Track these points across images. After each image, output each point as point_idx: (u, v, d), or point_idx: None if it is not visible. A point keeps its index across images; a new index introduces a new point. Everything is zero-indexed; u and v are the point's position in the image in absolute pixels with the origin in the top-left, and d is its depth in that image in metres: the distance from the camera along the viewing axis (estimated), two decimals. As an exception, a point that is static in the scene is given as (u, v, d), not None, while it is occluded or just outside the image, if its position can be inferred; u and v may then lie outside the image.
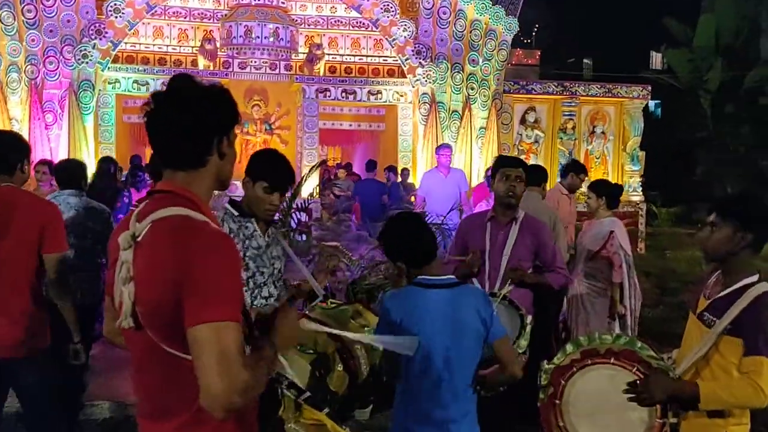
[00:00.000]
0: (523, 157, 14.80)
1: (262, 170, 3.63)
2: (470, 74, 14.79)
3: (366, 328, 3.40)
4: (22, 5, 13.18)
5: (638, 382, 2.65)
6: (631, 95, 15.40)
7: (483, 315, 2.75)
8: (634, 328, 5.49)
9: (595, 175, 15.39)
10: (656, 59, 34.23)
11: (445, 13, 14.66)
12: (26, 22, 13.22)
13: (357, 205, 12.11)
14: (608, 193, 5.32)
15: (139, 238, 1.95)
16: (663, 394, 2.58)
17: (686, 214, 21.09)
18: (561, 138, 15.49)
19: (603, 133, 15.70)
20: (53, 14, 13.34)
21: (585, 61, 37.33)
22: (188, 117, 1.99)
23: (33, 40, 13.26)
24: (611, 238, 5.22)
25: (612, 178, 15.50)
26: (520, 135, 15.58)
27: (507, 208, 4.45)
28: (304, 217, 13.24)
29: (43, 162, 7.95)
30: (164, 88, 2.06)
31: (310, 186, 14.45)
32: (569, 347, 2.89)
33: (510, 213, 4.45)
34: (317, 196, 14.45)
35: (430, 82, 14.45)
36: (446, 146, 10.97)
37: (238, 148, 14.98)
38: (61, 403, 4.00)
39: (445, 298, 2.73)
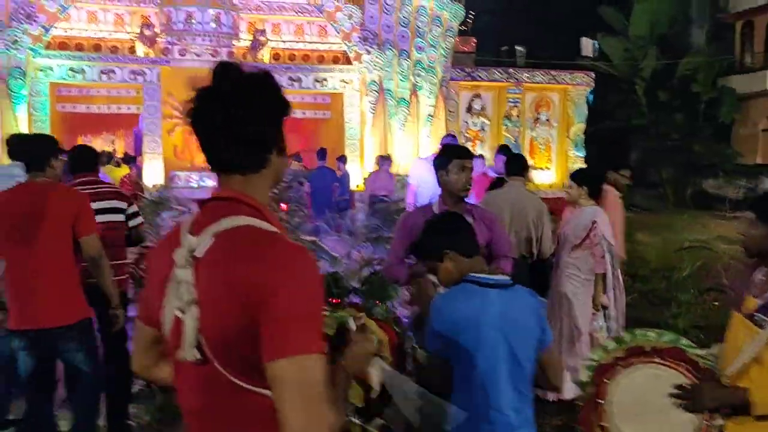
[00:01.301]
0: (469, 145, 14.84)
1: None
2: (417, 61, 14.70)
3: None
4: (-54, -12, 12.42)
5: (687, 386, 2.58)
6: (574, 82, 15.59)
7: (540, 318, 2.64)
8: (620, 319, 5.48)
9: (539, 161, 15.58)
10: (587, 47, 34.83)
11: (390, 0, 14.51)
12: (-50, 5, 12.46)
13: (307, 195, 11.86)
14: (590, 182, 5.28)
15: (198, 255, 1.68)
16: (713, 403, 2.51)
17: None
18: (506, 125, 15.58)
19: (547, 120, 15.87)
20: (-20, -2, 12.61)
21: (518, 48, 37.67)
22: (248, 113, 1.71)
23: (-42, 25, 12.51)
24: (594, 228, 5.18)
25: (556, 165, 15.72)
26: (466, 123, 15.60)
27: (460, 201, 4.29)
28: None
29: None
30: (206, 82, 1.80)
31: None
32: (611, 344, 2.80)
33: (462, 206, 4.29)
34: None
35: (377, 69, 14.29)
36: (452, 136, 10.49)
37: (179, 139, 14.64)
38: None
39: (504, 299, 2.58)
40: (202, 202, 1.81)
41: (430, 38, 14.72)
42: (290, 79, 14.25)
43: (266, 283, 1.58)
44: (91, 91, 14.29)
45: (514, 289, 2.68)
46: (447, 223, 2.93)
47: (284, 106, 1.79)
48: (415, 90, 14.64)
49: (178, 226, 1.81)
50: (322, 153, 11.68)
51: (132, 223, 5.17)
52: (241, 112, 1.70)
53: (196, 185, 13.94)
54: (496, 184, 6.04)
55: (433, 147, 14.65)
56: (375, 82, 14.36)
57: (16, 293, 4.07)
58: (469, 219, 4.24)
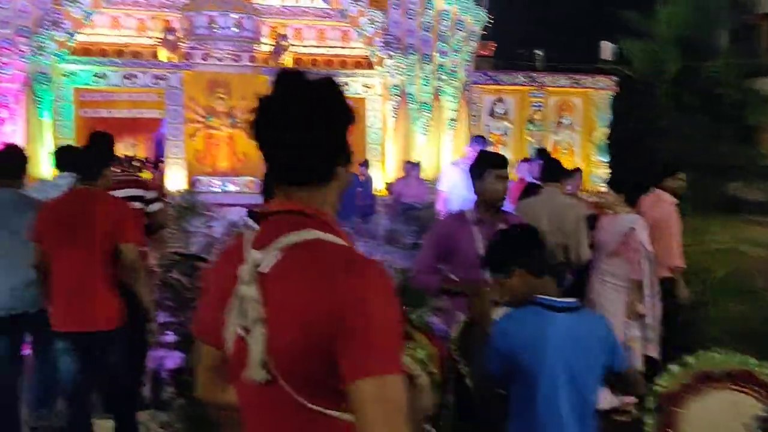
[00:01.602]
0: (491, 148, 14.74)
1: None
2: (439, 65, 14.62)
3: (419, 352, 3.03)
4: (-27, -5, 12.51)
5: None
6: (597, 86, 15.46)
7: (610, 344, 2.55)
8: (658, 328, 5.38)
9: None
10: (607, 50, 34.63)
11: (413, 4, 14.44)
12: (-23, 13, 12.54)
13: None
14: (628, 188, 5.19)
15: (264, 270, 1.61)
16: None
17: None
18: (529, 129, 15.47)
19: (570, 124, 15.73)
20: (7, 5, 12.66)
21: (537, 52, 37.50)
22: (314, 122, 1.65)
23: (-15, 32, 12.60)
24: (632, 235, 5.09)
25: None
26: (489, 126, 15.49)
27: (496, 211, 4.22)
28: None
29: None
30: (270, 90, 1.74)
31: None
32: (677, 369, 2.70)
33: (498, 215, 4.22)
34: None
35: (399, 74, 14.23)
36: (482, 138, 10.16)
37: (201, 143, 14.66)
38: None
39: (571, 324, 2.49)
40: (264, 216, 1.75)
41: (452, 42, 14.64)
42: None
43: (343, 300, 1.52)
44: (114, 96, 14.34)
45: (581, 312, 2.59)
46: (518, 238, 2.82)
47: (350, 114, 1.73)
48: (437, 94, 14.57)
49: (239, 240, 1.76)
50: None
51: (152, 208, 5.17)
52: (307, 122, 1.64)
53: (218, 190, 13.96)
54: (530, 190, 5.95)
55: (456, 151, 14.59)
56: (397, 86, 14.30)
57: (61, 295, 4.21)
58: (504, 228, 4.19)
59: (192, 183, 13.82)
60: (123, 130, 15.25)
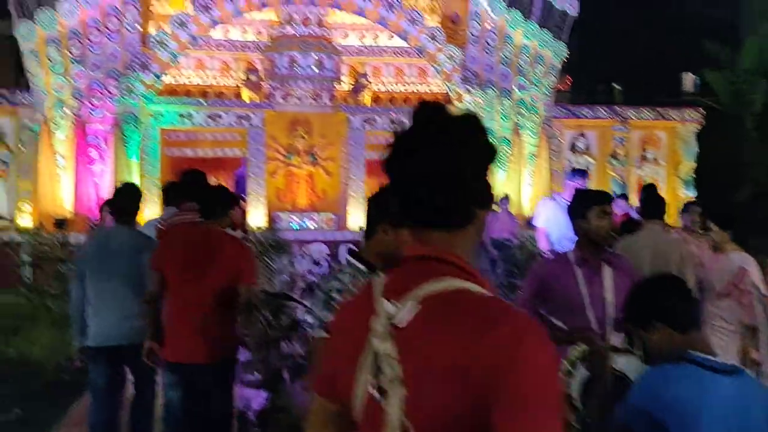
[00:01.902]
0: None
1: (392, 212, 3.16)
2: (519, 100, 14.47)
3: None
4: (69, 41, 13.08)
5: None
6: (683, 119, 14.98)
7: None
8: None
9: (648, 201, 14.91)
10: (689, 82, 33.79)
11: (492, 39, 14.39)
12: (72, 57, 13.11)
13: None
14: (734, 224, 4.89)
15: (400, 324, 1.46)
16: None
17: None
18: (612, 164, 15.09)
19: (655, 158, 15.28)
20: (99, 49, 13.22)
21: (614, 86, 36.86)
22: (458, 160, 1.50)
23: (78, 76, 13.14)
24: (743, 276, 4.79)
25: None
26: (570, 161, 15.18)
27: (600, 249, 4.00)
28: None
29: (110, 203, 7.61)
30: (404, 124, 1.62)
31: (356, 219, 14.15)
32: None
33: (601, 254, 3.99)
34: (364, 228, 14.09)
35: (478, 109, 14.10)
36: (583, 171, 9.30)
37: (282, 181, 14.85)
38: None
39: (733, 390, 2.25)
40: (396, 262, 1.62)
41: (532, 77, 14.48)
42: (391, 121, 14.26)
43: (499, 362, 1.36)
44: (198, 136, 14.72)
45: (741, 376, 2.34)
46: (661, 289, 2.59)
47: (493, 152, 1.60)
48: (517, 129, 14.40)
49: (368, 288, 1.63)
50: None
51: None
52: (449, 158, 1.50)
53: (297, 227, 14.06)
54: (628, 227, 5.70)
55: (536, 187, 14.34)
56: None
57: (175, 326, 4.30)
58: (608, 269, 3.98)
59: (271, 220, 13.97)
60: (206, 169, 15.37)
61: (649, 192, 5.88)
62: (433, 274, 1.48)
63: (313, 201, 15.06)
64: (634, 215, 7.71)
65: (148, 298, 4.39)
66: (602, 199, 4.05)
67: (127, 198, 4.91)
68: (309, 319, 5.73)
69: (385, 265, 3.06)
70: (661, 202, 5.41)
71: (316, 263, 7.00)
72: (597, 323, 3.80)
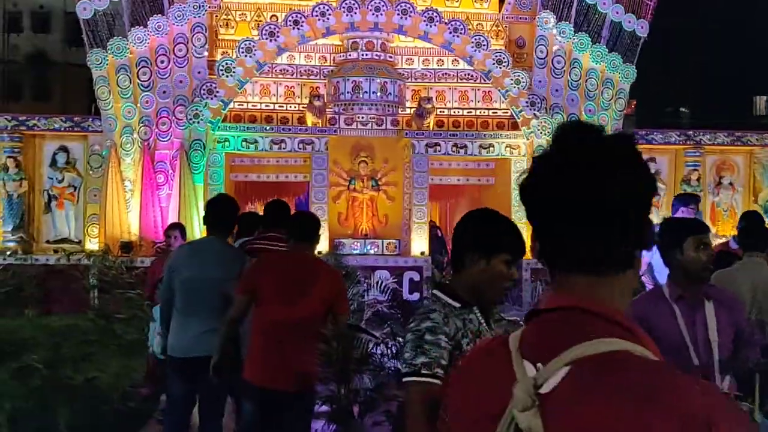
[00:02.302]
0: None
1: (502, 239, 2.80)
2: (587, 125, 14.08)
3: None
4: (138, 68, 13.32)
5: None
6: (762, 143, 14.36)
7: None
8: None
9: (723, 228, 14.34)
10: (760, 105, 32.76)
11: (559, 63, 14.10)
12: (141, 84, 13.33)
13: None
14: None
15: (546, 389, 1.23)
16: None
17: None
18: (684, 190, 14.50)
19: (731, 184, 14.66)
20: (167, 76, 13.41)
21: (682, 109, 36.00)
22: (617, 191, 1.26)
23: (147, 102, 13.34)
24: None
25: (744, 233, 14.39)
26: (640, 187, 14.67)
27: (700, 284, 3.68)
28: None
29: (175, 226, 7.58)
30: (547, 145, 1.37)
31: (419, 245, 13.94)
32: None
33: (701, 289, 3.67)
34: (428, 254, 13.89)
35: (545, 134, 13.80)
36: (693, 197, 8.43)
37: (344, 206, 14.76)
38: None
39: None
40: (535, 313, 1.38)
41: (601, 101, 14.11)
42: (455, 146, 14.06)
43: None
44: (262, 161, 14.77)
45: None
46: None
47: (654, 181, 1.35)
48: (585, 154, 13.99)
49: (499, 341, 1.39)
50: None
51: None
52: (606, 187, 1.25)
53: (359, 252, 13.92)
54: (722, 259, 5.32)
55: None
56: (542, 146, 13.78)
57: (267, 350, 4.29)
58: (709, 304, 3.67)
59: (335, 245, 13.86)
60: (269, 194, 15.57)
61: (750, 220, 5.47)
62: (585, 331, 1.24)
63: (375, 226, 14.93)
64: (733, 246, 7.23)
65: (230, 322, 4.37)
66: (700, 228, 3.77)
67: (223, 208, 4.87)
68: (379, 350, 5.58)
69: (480, 300, 2.84)
70: (764, 231, 5.02)
71: (383, 292, 6.79)
72: (702, 366, 3.50)
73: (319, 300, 4.32)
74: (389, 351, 5.38)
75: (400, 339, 5.53)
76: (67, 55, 30.23)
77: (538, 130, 13.78)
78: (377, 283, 9.26)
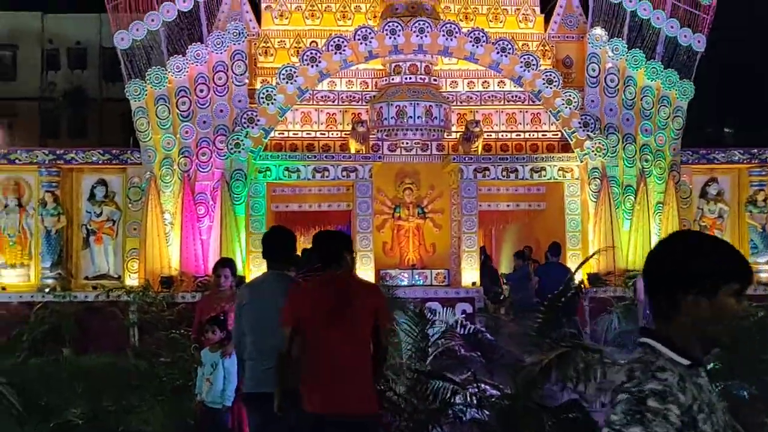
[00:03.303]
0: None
1: (727, 267, 2.10)
2: (643, 145, 13.45)
3: None
4: (177, 98, 13.00)
5: None
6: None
7: None
8: None
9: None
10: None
11: (612, 81, 13.50)
12: (180, 114, 13.00)
13: (535, 293, 10.75)
14: None
15: None
16: None
17: None
18: (750, 211, 13.75)
19: (800, 203, 13.82)
20: (206, 105, 13.07)
21: (726, 129, 35.02)
22: None
23: (186, 132, 13.00)
24: None
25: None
26: (701, 209, 13.95)
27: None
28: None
29: (225, 263, 6.97)
30: None
31: (470, 275, 13.31)
32: None
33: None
34: (479, 284, 13.24)
35: (599, 156, 13.16)
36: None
37: (389, 235, 14.19)
38: None
39: None
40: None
41: (657, 119, 13.45)
42: (505, 170, 13.46)
43: None
44: (304, 190, 14.32)
45: None
46: None
47: None
48: (642, 176, 13.32)
49: None
50: (554, 248, 10.61)
51: None
52: None
53: (406, 283, 13.32)
54: None
55: (664, 236, 13.13)
56: (597, 169, 13.23)
57: (320, 376, 4.24)
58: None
59: (381, 276, 13.29)
60: (312, 224, 15.11)
61: None
62: None
63: (422, 256, 14.34)
64: None
65: (281, 356, 4.34)
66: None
67: (280, 241, 4.89)
68: (459, 399, 4.95)
69: (704, 349, 2.14)
70: None
71: (453, 327, 6.13)
72: None
73: (362, 315, 4.31)
74: (471, 399, 4.75)
75: (484, 385, 4.91)
76: (103, 90, 30.31)
77: (593, 151, 13.13)
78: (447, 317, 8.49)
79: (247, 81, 13.27)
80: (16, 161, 12.88)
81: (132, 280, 12.80)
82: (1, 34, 30.10)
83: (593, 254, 10.75)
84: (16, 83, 30.52)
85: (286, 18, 14.52)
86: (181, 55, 13.03)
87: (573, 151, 13.41)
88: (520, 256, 11.78)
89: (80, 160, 12.99)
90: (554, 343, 4.92)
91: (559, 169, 13.56)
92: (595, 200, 13.21)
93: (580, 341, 6.35)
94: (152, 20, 13.07)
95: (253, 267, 12.95)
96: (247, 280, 13.20)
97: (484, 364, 5.24)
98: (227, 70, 13.13)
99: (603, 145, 13.11)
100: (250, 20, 14.34)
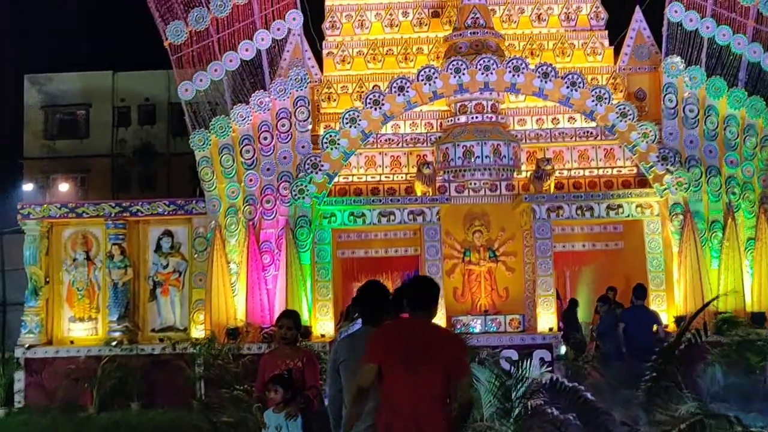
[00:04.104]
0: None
1: None
2: (729, 177, 12.65)
3: None
4: (241, 146, 12.90)
5: None
6: None
7: None
8: None
9: None
10: None
11: (692, 111, 12.81)
12: (244, 162, 12.89)
13: (622, 338, 9.98)
14: None
15: None
16: None
17: None
18: None
19: None
20: (270, 152, 12.93)
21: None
22: None
23: (251, 180, 12.84)
24: None
25: None
26: (797, 244, 12.94)
27: None
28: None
29: (287, 315, 6.50)
30: None
31: (547, 320, 12.61)
32: None
33: None
34: (556, 330, 12.52)
35: (681, 190, 12.40)
36: None
37: (459, 280, 13.63)
38: None
39: None
40: None
41: (744, 150, 12.65)
42: (580, 209, 12.81)
43: None
44: (369, 236, 13.95)
45: None
46: None
47: None
48: (730, 210, 12.48)
49: None
50: (640, 291, 9.87)
51: None
52: None
53: (479, 330, 12.71)
54: None
55: (758, 276, 12.24)
56: (679, 204, 12.46)
57: (395, 417, 4.24)
58: None
59: (452, 324, 12.71)
60: (377, 270, 14.66)
61: None
62: None
63: (494, 301, 13.72)
64: None
65: (358, 391, 4.35)
66: None
67: (374, 297, 4.94)
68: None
69: None
70: None
71: (542, 384, 5.49)
72: None
73: (440, 362, 4.28)
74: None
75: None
76: (171, 145, 30.88)
77: (673, 186, 12.39)
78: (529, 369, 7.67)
79: (310, 126, 13.09)
80: (84, 214, 12.90)
81: (198, 332, 12.56)
82: (76, 93, 31.12)
83: (714, 299, 10.04)
84: (89, 140, 31.39)
85: (348, 63, 14.38)
86: (244, 104, 12.97)
87: (651, 187, 12.69)
88: (605, 301, 11.01)
89: (146, 211, 12.92)
90: (663, 402, 4.30)
91: (637, 206, 12.83)
92: (678, 237, 12.41)
93: (705, 406, 5.47)
94: (215, 70, 13.09)
95: (319, 316, 12.58)
96: (314, 331, 12.87)
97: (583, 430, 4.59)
98: (290, 117, 12.99)
99: (684, 178, 12.37)
100: (312, 66, 14.23)
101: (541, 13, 14.79)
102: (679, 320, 11.88)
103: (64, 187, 29.42)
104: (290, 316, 6.21)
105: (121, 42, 37.86)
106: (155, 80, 30.88)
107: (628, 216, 12.91)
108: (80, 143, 31.42)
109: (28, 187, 28.41)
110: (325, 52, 14.66)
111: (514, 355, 11.96)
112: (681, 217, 12.43)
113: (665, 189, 12.45)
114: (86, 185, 30.88)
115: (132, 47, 34.19)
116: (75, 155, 30.74)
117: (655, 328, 9.84)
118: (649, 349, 9.49)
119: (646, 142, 12.50)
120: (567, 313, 13.08)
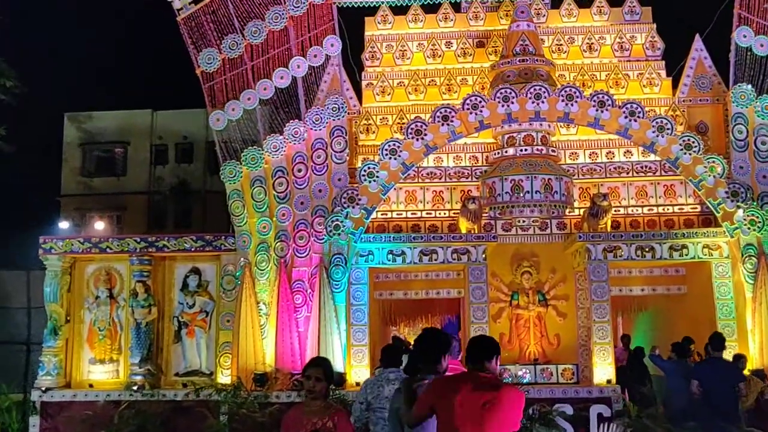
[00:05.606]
0: None
1: None
2: (808, 214, 11.48)
3: None
4: (274, 179, 12.15)
5: None
6: None
7: None
8: None
9: None
10: None
11: (764, 144, 11.79)
12: (277, 196, 12.11)
13: (697, 398, 8.82)
14: None
15: None
16: None
17: None
18: None
19: None
20: (304, 185, 12.13)
21: None
22: None
23: (283, 215, 12.04)
24: None
25: None
26: None
27: None
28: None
29: (316, 363, 5.48)
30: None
31: (604, 371, 11.45)
32: None
33: None
34: (614, 382, 11.35)
35: (754, 230, 11.27)
36: None
37: (506, 325, 12.56)
38: None
39: None
40: None
41: (823, 184, 11.52)
42: (640, 249, 11.72)
43: None
44: (409, 276, 13.01)
45: None
46: None
47: None
48: (810, 250, 11.30)
49: None
50: (717, 341, 8.73)
51: None
52: None
53: (528, 380, 11.59)
54: None
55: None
56: (753, 245, 11.31)
57: None
58: None
59: (499, 373, 11.59)
60: (416, 314, 13.72)
61: None
62: None
63: (544, 349, 12.60)
64: None
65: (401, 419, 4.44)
66: None
67: (432, 346, 4.85)
68: None
69: None
70: None
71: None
72: None
73: (505, 419, 4.25)
74: None
75: None
76: (207, 182, 30.61)
77: (745, 224, 11.27)
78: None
79: (347, 158, 12.29)
80: (108, 249, 12.19)
81: (225, 377, 11.66)
82: (114, 131, 31.12)
83: None
84: (126, 178, 31.28)
85: (389, 94, 13.63)
86: (278, 134, 12.25)
87: (720, 226, 11.57)
88: (681, 351, 9.82)
89: (172, 247, 12.15)
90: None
91: (703, 247, 11.70)
92: (752, 282, 11.23)
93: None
94: (249, 99, 12.44)
95: (354, 362, 11.59)
96: (348, 379, 11.86)
97: None
98: (326, 147, 12.22)
99: (758, 216, 11.24)
100: (351, 98, 13.49)
101: (592, 43, 13.92)
102: (756, 374, 10.65)
103: (99, 225, 29.09)
104: (320, 365, 5.17)
105: (160, 81, 37.95)
106: (193, 119, 30.71)
107: (694, 257, 11.78)
108: (117, 181, 31.35)
109: (64, 224, 28.14)
110: (364, 83, 13.93)
111: (569, 409, 10.86)
112: (755, 259, 11.27)
113: (736, 228, 11.32)
114: (122, 223, 30.60)
115: (170, 86, 34.17)
116: (112, 192, 30.61)
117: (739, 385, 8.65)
118: (731, 412, 8.38)
119: (714, 177, 11.43)
120: (632, 361, 11.90)
